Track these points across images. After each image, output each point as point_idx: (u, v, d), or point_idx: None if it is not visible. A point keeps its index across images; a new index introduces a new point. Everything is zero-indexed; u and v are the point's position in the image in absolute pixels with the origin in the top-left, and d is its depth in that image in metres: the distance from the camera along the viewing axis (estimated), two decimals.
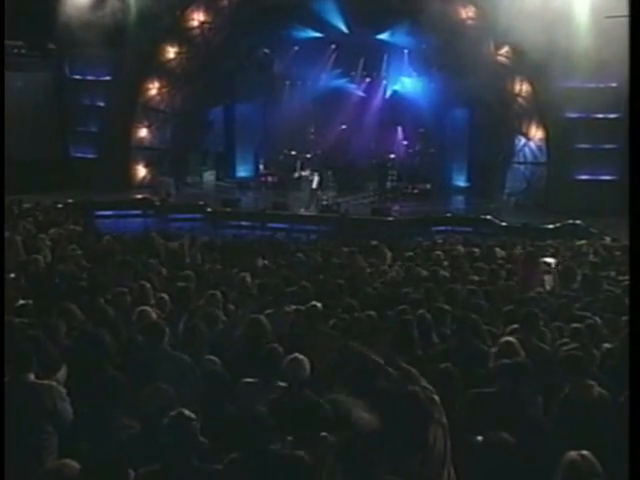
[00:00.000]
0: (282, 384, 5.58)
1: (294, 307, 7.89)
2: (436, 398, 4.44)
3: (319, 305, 7.49)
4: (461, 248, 16.12)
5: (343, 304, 8.33)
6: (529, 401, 5.36)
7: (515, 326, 7.20)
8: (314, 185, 27.39)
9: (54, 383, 5.33)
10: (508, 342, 6.25)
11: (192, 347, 6.36)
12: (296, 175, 30.17)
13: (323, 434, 4.40)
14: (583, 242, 17.17)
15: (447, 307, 7.85)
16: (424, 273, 11.67)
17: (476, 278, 11.37)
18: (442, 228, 23.60)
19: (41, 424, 5.01)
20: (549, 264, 12.80)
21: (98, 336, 6.02)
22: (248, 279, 9.81)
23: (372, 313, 7.48)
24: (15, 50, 26.32)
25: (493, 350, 6.33)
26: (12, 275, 9.12)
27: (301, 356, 5.62)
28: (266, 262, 13.47)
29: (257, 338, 6.52)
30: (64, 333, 6.67)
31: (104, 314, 7.60)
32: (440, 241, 18.48)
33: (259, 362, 5.83)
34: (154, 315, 7.23)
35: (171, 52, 28.18)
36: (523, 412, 5.18)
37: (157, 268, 11.24)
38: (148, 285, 8.67)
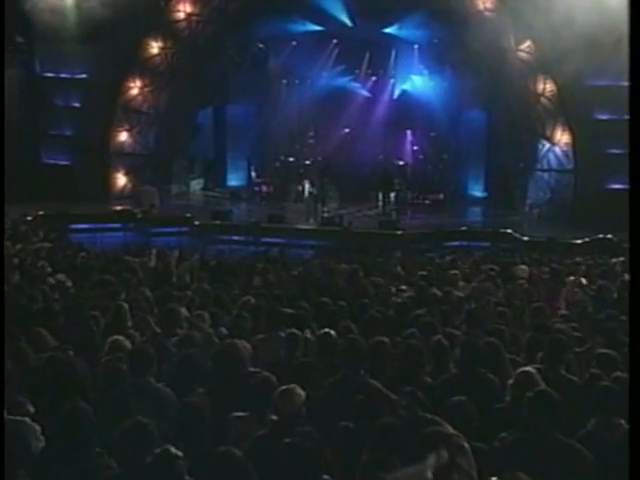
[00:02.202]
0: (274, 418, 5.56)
1: (291, 331, 7.85)
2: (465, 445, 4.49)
3: (318, 329, 7.48)
4: (478, 265, 16.08)
5: (346, 328, 8.28)
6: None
7: (540, 354, 7.15)
8: (313, 195, 27.38)
9: (27, 419, 5.25)
10: (526, 372, 6.21)
11: (184, 377, 6.33)
12: (294, 184, 30.19)
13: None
14: (621, 259, 17.01)
15: (463, 332, 7.81)
16: (437, 294, 11.63)
17: (495, 299, 11.34)
18: (457, 243, 23.57)
19: (12, 469, 4.83)
20: (578, 283, 12.78)
21: (71, 364, 5.97)
22: (240, 300, 9.79)
23: (378, 339, 7.44)
24: None
25: (510, 382, 6.28)
26: None
27: (294, 387, 5.61)
28: (260, 281, 13.45)
29: (234, 366, 6.48)
30: (34, 361, 6.64)
31: (78, 339, 7.56)
32: (454, 258, 18.43)
33: (250, 393, 5.79)
34: (128, 343, 7.20)
35: (155, 47, 28.24)
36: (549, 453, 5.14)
37: (139, 288, 11.23)
38: (126, 306, 8.66)
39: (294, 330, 7.81)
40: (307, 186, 28.64)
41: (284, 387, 5.61)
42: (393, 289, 12.66)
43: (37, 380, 6.17)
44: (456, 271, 14.18)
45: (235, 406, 5.81)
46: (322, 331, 7.57)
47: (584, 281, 13.04)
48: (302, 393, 5.56)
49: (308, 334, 8.10)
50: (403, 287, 12.86)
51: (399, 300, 11.30)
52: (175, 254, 15.37)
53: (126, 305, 8.74)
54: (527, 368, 6.36)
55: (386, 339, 7.02)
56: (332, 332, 7.53)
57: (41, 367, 6.44)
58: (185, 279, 13.43)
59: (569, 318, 10.24)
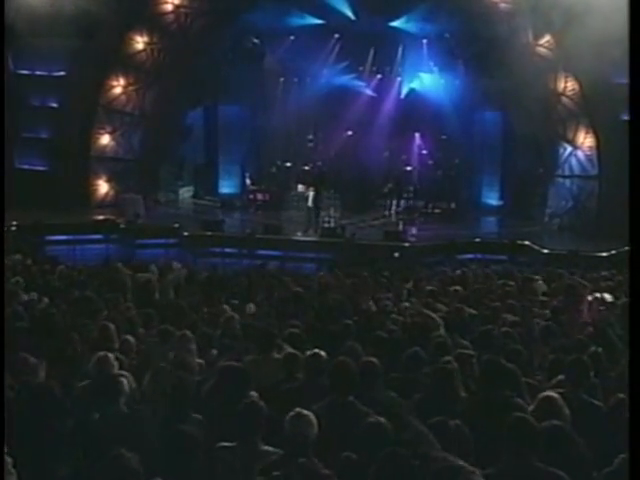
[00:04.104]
0: (268, 448, 5.57)
1: (288, 352, 7.85)
2: None
3: (319, 351, 7.47)
4: (493, 280, 16.08)
5: (348, 349, 8.28)
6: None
7: (560, 377, 7.16)
8: (313, 204, 27.40)
9: None
10: (548, 398, 6.21)
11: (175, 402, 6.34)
12: (292, 192, 30.22)
13: None
14: None
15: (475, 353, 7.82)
16: (448, 311, 11.62)
17: (511, 318, 11.33)
18: (470, 256, 23.61)
19: None
20: (603, 300, 12.75)
21: (47, 390, 5.96)
22: (233, 318, 9.80)
23: (383, 360, 7.45)
24: None
25: (531, 408, 6.28)
26: None
27: (306, 412, 5.60)
28: (255, 298, 13.45)
29: (237, 390, 6.49)
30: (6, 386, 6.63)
31: (55, 362, 7.56)
32: (467, 272, 18.45)
33: (237, 421, 5.80)
34: (115, 364, 7.21)
35: (140, 42, 28.31)
36: None
37: (123, 306, 11.24)
38: (112, 326, 8.66)
39: (292, 351, 7.82)
40: (306, 194, 28.65)
41: (296, 411, 5.60)
42: (400, 306, 12.66)
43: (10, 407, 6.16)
44: (467, 286, 14.15)
45: (230, 434, 5.83)
46: (311, 352, 7.56)
47: (610, 298, 13.01)
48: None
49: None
50: (409, 304, 12.86)
51: (405, 318, 11.31)
52: (153, 269, 15.36)
53: (112, 325, 8.73)
54: (550, 393, 6.36)
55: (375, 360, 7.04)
56: (322, 353, 7.51)
57: (15, 394, 6.44)
58: (169, 295, 13.42)
59: (593, 338, 10.22)
